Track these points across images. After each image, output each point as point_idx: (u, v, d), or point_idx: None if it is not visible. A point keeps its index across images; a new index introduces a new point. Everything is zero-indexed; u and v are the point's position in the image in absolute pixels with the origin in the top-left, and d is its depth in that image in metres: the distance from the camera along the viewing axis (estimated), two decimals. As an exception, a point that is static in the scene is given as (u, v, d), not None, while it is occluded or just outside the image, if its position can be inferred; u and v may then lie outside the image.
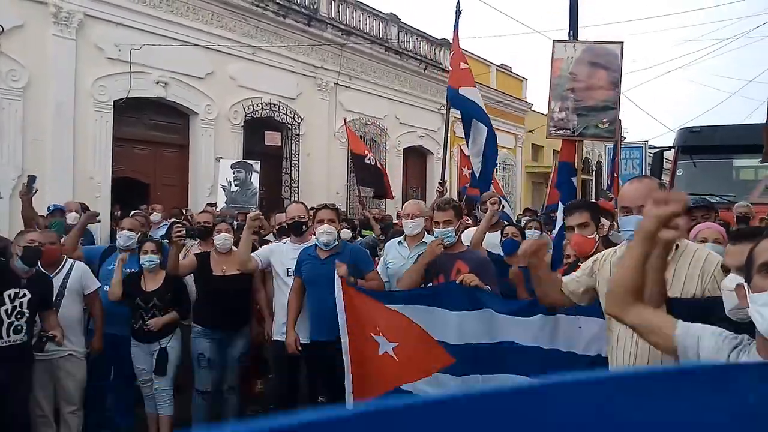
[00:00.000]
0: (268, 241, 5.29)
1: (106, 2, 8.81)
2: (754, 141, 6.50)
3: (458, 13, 7.49)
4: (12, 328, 3.54)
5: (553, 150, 18.60)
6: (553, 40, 6.73)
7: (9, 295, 3.55)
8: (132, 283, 4.33)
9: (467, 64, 7.46)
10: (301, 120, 12.03)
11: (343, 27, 12.81)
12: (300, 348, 3.94)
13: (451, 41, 7.76)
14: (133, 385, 4.53)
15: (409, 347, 3.37)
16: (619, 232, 2.58)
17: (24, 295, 3.61)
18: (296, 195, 11.68)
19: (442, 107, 9.88)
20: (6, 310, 3.53)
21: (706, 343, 1.57)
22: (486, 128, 6.99)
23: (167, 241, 4.53)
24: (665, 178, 9.58)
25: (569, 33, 8.33)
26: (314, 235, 4.02)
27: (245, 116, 10.98)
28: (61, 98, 8.39)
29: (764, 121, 6.08)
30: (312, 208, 4.34)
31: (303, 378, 4.32)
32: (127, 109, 9.35)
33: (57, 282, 4.05)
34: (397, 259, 4.07)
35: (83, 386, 4.12)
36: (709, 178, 8.02)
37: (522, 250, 2.51)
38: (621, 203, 2.24)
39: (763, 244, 1.47)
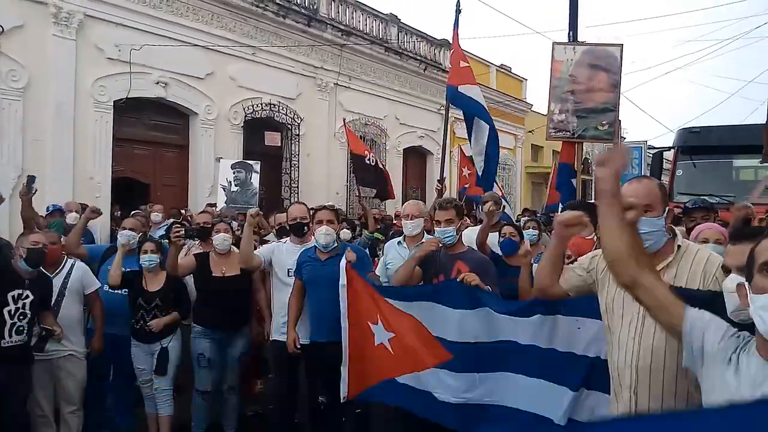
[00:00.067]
0: (268, 241, 5.29)
1: (106, 2, 8.82)
2: (754, 141, 6.51)
3: (458, 11, 7.50)
4: (14, 328, 3.55)
5: (553, 150, 18.62)
6: (553, 43, 6.75)
7: (13, 296, 3.56)
8: (134, 282, 4.33)
9: (467, 62, 7.46)
10: (301, 120, 12.03)
11: (342, 27, 12.81)
12: (299, 347, 3.94)
13: (450, 41, 7.76)
14: (133, 385, 4.54)
15: (405, 339, 3.38)
16: None
17: (27, 297, 3.62)
18: (296, 195, 11.69)
19: (442, 107, 9.88)
20: (9, 311, 3.54)
21: (711, 337, 1.57)
22: (488, 126, 7.00)
23: (167, 240, 4.53)
24: (665, 179, 9.58)
25: (569, 33, 8.34)
26: (314, 236, 4.03)
27: (245, 116, 10.98)
28: (61, 98, 8.39)
29: (764, 122, 6.09)
30: (312, 209, 4.35)
31: (303, 378, 4.33)
32: (127, 110, 9.35)
33: (58, 282, 4.05)
34: (396, 260, 4.08)
35: (83, 386, 4.13)
36: (709, 179, 8.02)
37: (563, 219, 2.44)
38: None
39: (763, 244, 1.48)
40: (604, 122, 6.57)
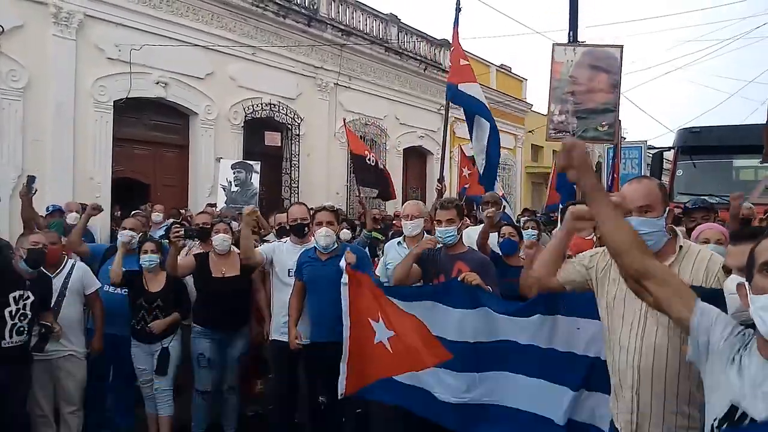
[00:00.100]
0: (268, 242, 5.30)
1: (106, 3, 8.82)
2: (754, 141, 6.51)
3: (458, 10, 7.50)
4: (15, 329, 3.56)
5: (553, 150, 18.63)
6: (553, 44, 6.76)
7: (14, 297, 3.57)
8: (134, 282, 4.33)
9: (467, 60, 7.45)
10: (301, 120, 12.03)
11: (343, 27, 12.81)
12: (301, 345, 3.94)
13: (450, 40, 7.75)
14: (133, 386, 4.54)
15: (405, 338, 3.38)
16: None
17: (27, 297, 3.62)
18: (296, 195, 11.69)
19: (442, 107, 9.88)
20: (10, 312, 3.54)
21: (717, 333, 1.57)
22: (488, 124, 6.99)
23: (167, 240, 4.53)
24: (665, 179, 9.58)
25: (569, 33, 8.35)
26: (314, 237, 4.03)
27: (245, 116, 10.98)
28: (61, 98, 8.39)
29: (764, 122, 6.09)
30: (311, 209, 4.35)
31: (302, 378, 4.33)
32: (127, 110, 9.35)
33: (58, 282, 4.06)
34: (396, 260, 4.06)
35: (83, 386, 4.13)
36: (709, 179, 8.02)
37: (576, 210, 2.38)
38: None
39: (763, 244, 1.48)
40: (604, 123, 6.58)
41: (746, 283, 1.52)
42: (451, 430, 3.23)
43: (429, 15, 32.10)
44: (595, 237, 3.13)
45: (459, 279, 3.24)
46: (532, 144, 20.34)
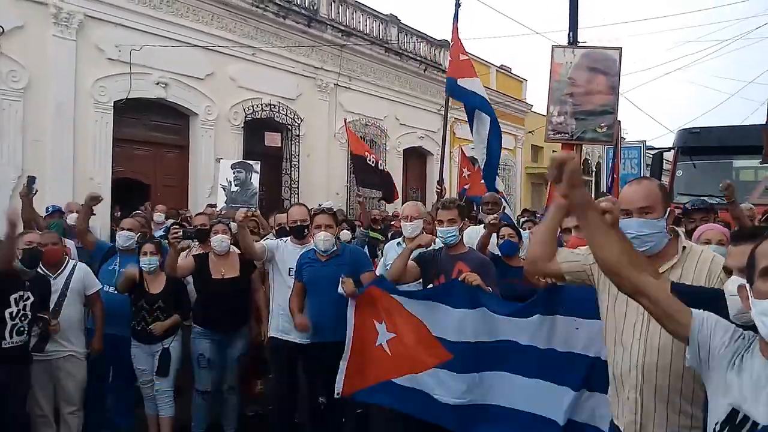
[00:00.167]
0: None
1: (106, 3, 8.82)
2: (754, 142, 6.52)
3: (458, 5, 7.51)
4: (15, 329, 3.57)
5: (553, 151, 18.62)
6: (552, 46, 6.81)
7: (15, 298, 3.57)
8: (135, 285, 4.33)
9: (467, 55, 7.45)
10: (301, 121, 12.04)
11: (343, 28, 12.81)
12: (310, 329, 3.89)
13: (450, 40, 7.75)
14: (133, 386, 4.54)
15: (405, 340, 3.38)
16: None
17: (27, 298, 3.63)
18: (296, 196, 11.69)
19: (442, 108, 9.89)
20: (11, 313, 3.55)
21: (717, 340, 1.57)
22: (489, 118, 7.00)
23: (167, 241, 4.54)
24: (665, 179, 9.59)
25: (569, 34, 8.35)
26: (313, 239, 4.03)
27: (245, 117, 10.98)
28: (62, 99, 8.39)
29: (764, 122, 6.10)
30: (311, 210, 4.35)
31: (302, 378, 4.33)
32: (127, 110, 9.35)
33: (59, 283, 4.06)
34: (396, 260, 4.08)
35: (83, 387, 4.13)
36: (709, 179, 8.01)
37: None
38: (621, 206, 2.21)
39: (764, 247, 1.47)
40: (602, 124, 6.62)
41: (747, 285, 1.51)
42: (451, 431, 3.24)
43: (429, 16, 32.15)
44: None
45: (459, 279, 3.24)
46: (532, 144, 20.34)
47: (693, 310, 1.63)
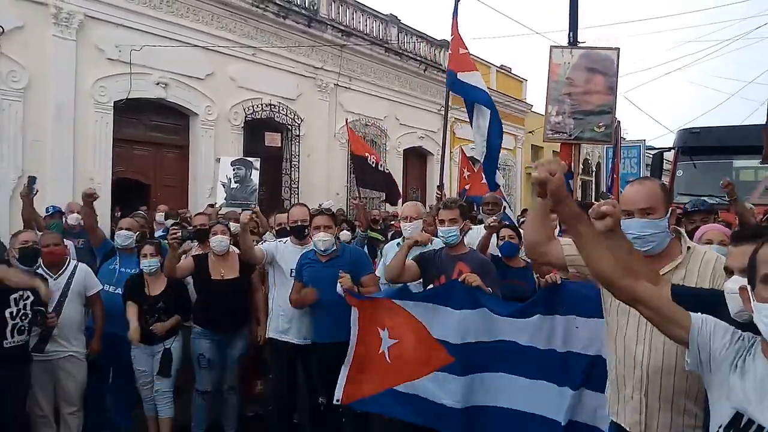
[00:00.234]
0: (266, 241, 5.30)
1: (106, 3, 8.82)
2: (754, 142, 6.52)
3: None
4: (16, 329, 3.58)
5: (553, 151, 18.61)
6: (551, 46, 6.85)
7: (14, 298, 3.57)
8: (135, 288, 4.32)
9: (466, 49, 7.46)
10: (301, 121, 12.03)
11: (343, 28, 12.81)
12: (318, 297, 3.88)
13: (450, 38, 7.74)
14: (133, 386, 4.53)
15: (406, 345, 3.38)
16: None
17: (27, 297, 3.63)
18: (296, 196, 11.69)
19: (442, 108, 9.89)
20: (11, 313, 3.55)
21: (717, 343, 1.57)
22: (489, 110, 7.00)
23: (167, 242, 4.53)
24: (665, 179, 9.59)
25: (569, 34, 8.34)
26: (312, 240, 4.03)
27: (245, 117, 10.98)
28: (62, 99, 8.39)
29: (764, 122, 6.10)
30: (312, 210, 4.35)
31: (302, 379, 4.33)
32: (127, 110, 9.35)
33: (61, 283, 4.07)
34: (396, 261, 4.07)
35: (83, 387, 4.13)
36: (709, 179, 8.01)
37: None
38: (622, 206, 2.19)
39: (765, 251, 1.46)
40: (600, 124, 6.66)
41: (748, 287, 1.50)
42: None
43: (429, 16, 32.15)
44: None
45: (459, 280, 3.24)
46: (532, 144, 20.32)
47: (692, 314, 1.62)
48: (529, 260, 4.14)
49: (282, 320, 4.19)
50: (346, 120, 10.94)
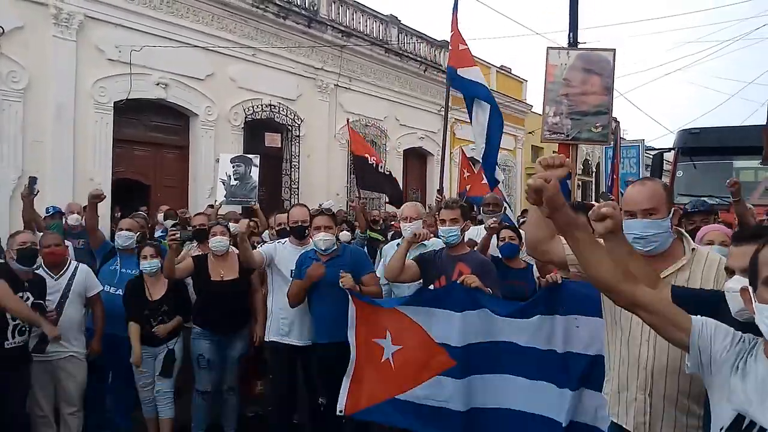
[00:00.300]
0: (265, 241, 5.31)
1: (106, 4, 8.82)
2: (754, 143, 6.52)
3: None
4: (17, 329, 3.59)
5: (553, 151, 18.60)
6: (547, 47, 6.88)
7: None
8: (136, 292, 4.32)
9: (466, 45, 7.47)
10: (301, 121, 12.04)
11: (343, 28, 12.82)
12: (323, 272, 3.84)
13: (450, 38, 7.74)
14: (132, 387, 4.53)
15: (409, 351, 3.37)
16: None
17: (27, 298, 3.64)
18: (296, 196, 11.69)
19: (442, 109, 9.89)
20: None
21: (718, 346, 1.57)
22: (489, 105, 7.02)
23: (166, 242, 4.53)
24: (665, 180, 9.59)
25: (569, 35, 8.35)
26: (312, 240, 4.03)
27: (245, 117, 10.98)
28: (62, 99, 8.39)
29: (764, 123, 6.10)
30: (312, 210, 4.35)
31: (302, 379, 4.33)
32: (127, 111, 9.35)
33: (61, 284, 4.08)
34: (397, 262, 4.07)
35: (84, 387, 4.13)
36: (709, 180, 8.02)
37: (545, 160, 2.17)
38: (624, 207, 2.20)
39: (766, 253, 1.45)
40: (597, 124, 6.69)
41: (750, 288, 1.49)
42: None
43: (429, 16, 32.16)
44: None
45: (459, 281, 3.24)
46: (532, 145, 20.31)
47: (692, 317, 1.62)
48: (530, 261, 4.14)
49: (282, 322, 4.18)
50: (348, 120, 10.93)
